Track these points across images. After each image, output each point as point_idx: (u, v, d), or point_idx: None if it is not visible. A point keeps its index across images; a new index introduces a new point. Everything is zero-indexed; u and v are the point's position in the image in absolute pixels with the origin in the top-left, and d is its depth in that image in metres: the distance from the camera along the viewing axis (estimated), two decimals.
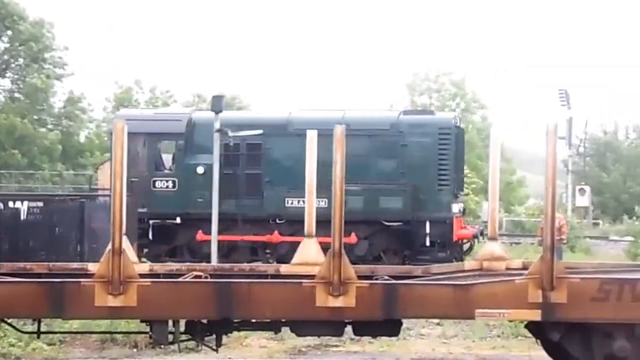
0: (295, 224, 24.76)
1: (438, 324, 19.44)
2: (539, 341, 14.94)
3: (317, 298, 12.64)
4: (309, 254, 13.99)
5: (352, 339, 17.27)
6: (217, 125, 24.01)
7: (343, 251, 12.72)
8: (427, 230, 24.59)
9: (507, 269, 14.49)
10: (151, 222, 26.16)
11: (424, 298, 13.02)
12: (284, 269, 14.46)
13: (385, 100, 66.62)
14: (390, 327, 13.70)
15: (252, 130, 25.74)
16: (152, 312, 12.70)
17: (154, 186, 26.42)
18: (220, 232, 21.03)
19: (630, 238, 37.38)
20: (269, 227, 25.43)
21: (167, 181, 26.42)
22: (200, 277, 13.47)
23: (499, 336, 18.61)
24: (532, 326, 14.38)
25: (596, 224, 51.16)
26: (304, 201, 24.99)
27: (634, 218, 38.82)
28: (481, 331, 18.79)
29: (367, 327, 13.57)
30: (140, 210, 25.02)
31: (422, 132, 25.33)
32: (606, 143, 65.05)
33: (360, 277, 13.10)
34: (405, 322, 16.06)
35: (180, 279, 13.36)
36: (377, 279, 13.71)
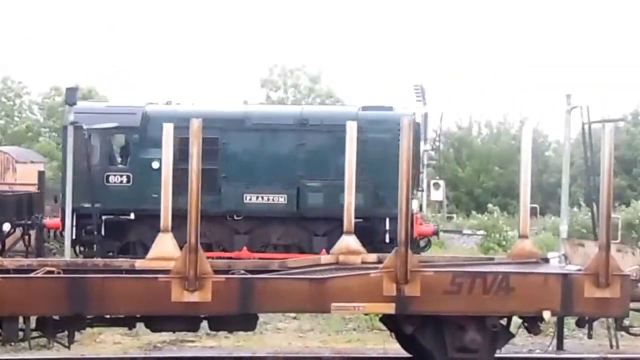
0: (253, 220, 24.91)
1: (295, 318, 19.58)
2: (393, 334, 15.25)
3: (173, 293, 12.60)
4: (164, 248, 13.87)
5: (208, 334, 17.24)
6: (70, 118, 23.52)
7: (199, 246, 12.69)
8: (387, 227, 24.69)
9: (363, 262, 14.67)
10: (104, 217, 25.49)
11: (280, 292, 13.12)
12: (139, 263, 14.31)
13: (240, 94, 66.45)
14: (246, 321, 13.76)
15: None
16: (2, 308, 12.43)
17: (107, 181, 25.80)
18: (174, 229, 20.06)
19: (482, 232, 38.39)
20: (226, 224, 25.18)
21: (121, 176, 25.84)
22: (52, 272, 13.22)
23: (354, 329, 18.88)
24: (386, 319, 14.67)
25: (450, 218, 52.35)
26: (262, 197, 24.50)
27: (487, 212, 39.89)
28: (337, 325, 19.02)
29: (223, 322, 13.59)
30: (90, 205, 24.77)
31: (382, 129, 25.19)
32: (460, 138, 66.67)
33: (217, 272, 13.11)
34: (262, 317, 16.14)
35: (30, 275, 13.10)
36: (233, 274, 13.72)
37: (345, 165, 14.35)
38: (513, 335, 14.56)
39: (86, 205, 24.97)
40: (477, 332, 13.79)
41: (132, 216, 25.19)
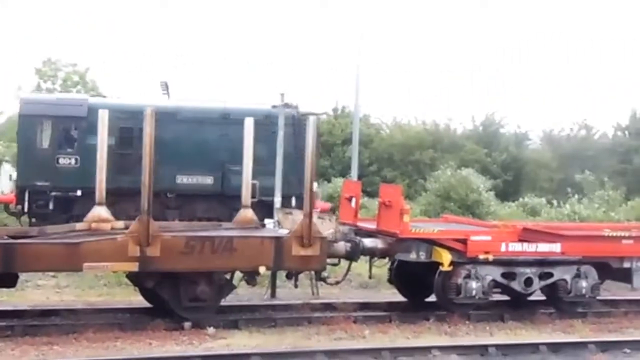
0: (183, 197, 25.07)
1: (54, 276, 19.27)
2: (137, 288, 15.44)
3: None
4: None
5: None
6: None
7: None
8: (293, 204, 24.95)
9: (112, 229, 14.76)
10: (52, 194, 24.79)
11: (39, 254, 13.05)
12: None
13: (15, 83, 63.37)
14: (8, 280, 13.59)
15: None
16: None
17: (58, 162, 25.16)
18: (110, 205, 18.41)
19: None
20: (160, 201, 24.34)
21: (69, 158, 25.10)
22: None
23: (105, 285, 18.83)
24: (132, 276, 14.87)
25: None
26: (191, 178, 24.76)
27: None
28: (91, 282, 18.90)
29: None
30: (42, 183, 24.62)
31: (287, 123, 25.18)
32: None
33: None
34: (23, 275, 15.87)
35: None
36: None
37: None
38: (235, 287, 15.15)
39: (39, 183, 24.79)
40: (206, 285, 14.29)
41: (78, 193, 24.54)
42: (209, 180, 25.34)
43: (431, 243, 15.66)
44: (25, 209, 24.79)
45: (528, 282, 15.93)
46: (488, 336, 14.64)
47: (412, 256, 15.67)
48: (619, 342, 13.77)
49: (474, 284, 15.55)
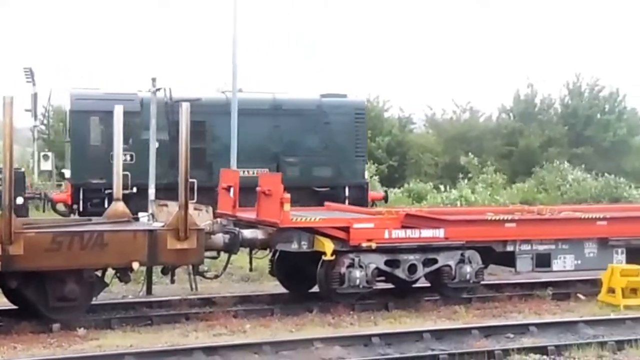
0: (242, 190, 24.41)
1: None
2: (0, 289, 14.98)
3: None
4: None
5: None
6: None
7: None
8: (347, 194, 25.50)
9: None
10: (107, 191, 23.08)
11: None
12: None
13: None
14: None
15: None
16: None
17: (112, 159, 23.29)
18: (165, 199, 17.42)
19: None
20: (213, 196, 23.56)
21: (124, 155, 23.51)
22: None
23: None
24: None
25: (60, 185, 51.02)
26: (252, 171, 23.60)
27: None
28: None
29: None
30: (97, 181, 24.07)
31: (342, 112, 26.32)
32: None
33: None
34: None
35: None
36: None
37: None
38: (107, 284, 14.88)
39: (94, 181, 24.20)
40: (75, 284, 13.98)
41: (134, 190, 23.55)
42: (264, 172, 24.78)
43: (313, 232, 15.76)
44: (81, 208, 24.28)
45: (412, 269, 16.22)
46: (372, 326, 14.85)
47: (294, 246, 15.74)
48: (502, 327, 14.16)
49: (357, 273, 15.73)
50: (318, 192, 24.44)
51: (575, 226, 17.57)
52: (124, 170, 16.23)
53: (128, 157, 24.13)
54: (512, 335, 13.75)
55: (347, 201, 25.82)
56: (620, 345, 13.02)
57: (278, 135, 25.64)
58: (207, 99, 24.94)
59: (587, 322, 14.44)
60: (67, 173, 25.53)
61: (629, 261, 17.53)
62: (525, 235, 17.10)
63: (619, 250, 17.68)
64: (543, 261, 17.27)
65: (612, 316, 15.28)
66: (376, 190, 29.93)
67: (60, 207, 25.13)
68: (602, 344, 12.93)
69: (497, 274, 19.31)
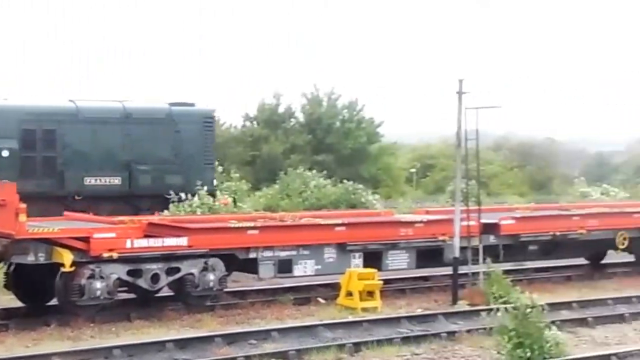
0: (92, 199, 23.89)
1: None
2: None
3: None
4: None
5: None
6: None
7: None
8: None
9: None
10: None
11: None
12: None
13: None
14: None
15: None
16: None
17: None
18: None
19: None
20: (67, 204, 22.78)
21: None
22: None
23: None
24: None
25: None
26: (100, 179, 23.99)
27: None
28: None
29: None
30: None
31: (191, 121, 26.39)
32: None
33: None
34: None
35: None
36: None
37: None
38: None
39: None
40: None
41: None
42: (116, 180, 24.54)
43: (51, 243, 15.35)
44: None
45: (155, 278, 16.20)
46: (114, 337, 14.69)
47: (30, 258, 15.30)
48: (245, 334, 14.46)
49: (98, 284, 15.51)
50: (169, 199, 24.19)
51: (315, 232, 18.26)
52: None
53: None
54: (254, 342, 14.08)
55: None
56: (357, 347, 13.70)
57: (129, 143, 25.26)
58: (57, 108, 24.88)
59: (327, 326, 15.06)
60: None
61: (365, 265, 18.40)
62: (268, 242, 17.55)
63: (357, 255, 18.54)
64: (285, 267, 17.81)
65: (350, 319, 16.01)
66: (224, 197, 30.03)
67: None
68: (340, 347, 13.55)
69: (240, 281, 19.66)
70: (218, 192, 27.42)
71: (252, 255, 17.49)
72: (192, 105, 27.55)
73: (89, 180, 24.55)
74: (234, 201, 28.33)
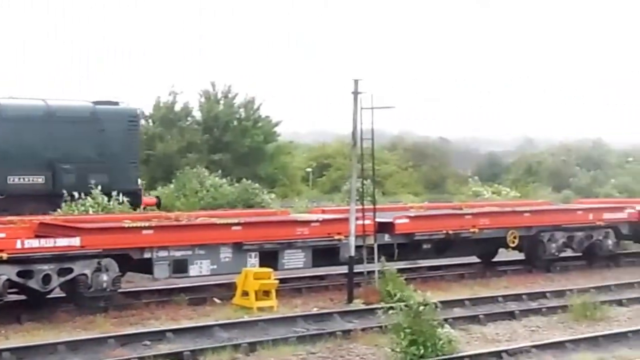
0: (15, 198, 23.60)
1: None
2: None
3: None
4: None
5: None
6: None
7: None
8: (121, 200, 24.41)
9: None
10: None
11: None
12: None
13: None
14: None
15: None
16: None
17: None
18: None
19: None
20: None
21: None
22: None
23: None
24: None
25: None
26: (23, 178, 23.78)
27: None
28: None
29: None
30: None
31: (115, 119, 26.21)
32: None
33: None
34: None
35: None
36: None
37: None
38: None
39: None
40: None
41: None
42: (40, 179, 24.33)
43: None
44: None
45: (46, 279, 15.88)
46: (3, 340, 14.32)
47: None
48: (139, 335, 14.31)
49: None
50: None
51: (211, 232, 18.18)
52: None
53: None
54: (149, 343, 13.96)
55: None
56: (253, 346, 13.71)
57: (52, 142, 24.92)
58: None
59: (222, 326, 15.04)
60: None
61: (262, 264, 18.43)
62: (163, 241, 17.40)
63: (253, 254, 18.55)
64: (180, 267, 17.69)
65: (246, 318, 16.01)
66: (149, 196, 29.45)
67: None
68: (236, 347, 13.54)
69: (134, 281, 19.43)
70: (143, 191, 27.44)
71: (146, 255, 17.30)
72: (116, 104, 27.49)
73: (12, 179, 24.34)
74: (159, 202, 28.22)
